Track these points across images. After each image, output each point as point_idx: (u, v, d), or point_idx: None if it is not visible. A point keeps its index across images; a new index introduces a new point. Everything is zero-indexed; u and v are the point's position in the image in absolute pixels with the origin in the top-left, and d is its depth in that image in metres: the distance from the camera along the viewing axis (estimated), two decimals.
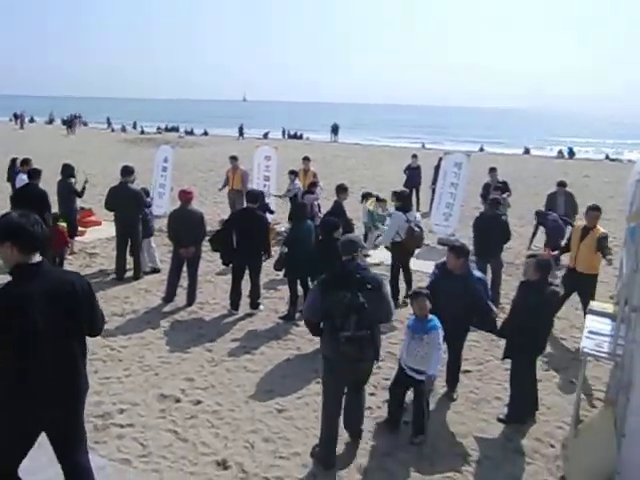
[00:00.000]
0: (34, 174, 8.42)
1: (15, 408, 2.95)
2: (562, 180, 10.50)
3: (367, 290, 4.00)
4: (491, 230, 7.58)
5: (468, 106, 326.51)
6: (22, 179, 9.17)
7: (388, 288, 4.33)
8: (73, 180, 9.28)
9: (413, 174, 14.52)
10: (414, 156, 14.93)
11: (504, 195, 10.25)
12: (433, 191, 13.24)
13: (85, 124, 51.22)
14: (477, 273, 5.33)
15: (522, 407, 4.94)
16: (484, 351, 6.34)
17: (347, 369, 4.19)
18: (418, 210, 13.36)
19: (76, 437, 3.28)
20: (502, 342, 5.27)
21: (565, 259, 7.96)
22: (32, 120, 54.32)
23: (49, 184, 8.66)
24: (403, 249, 7.66)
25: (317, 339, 6.14)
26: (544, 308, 4.79)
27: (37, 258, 2.90)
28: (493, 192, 9.84)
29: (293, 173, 11.26)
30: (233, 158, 11.86)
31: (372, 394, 5.31)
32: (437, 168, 13.48)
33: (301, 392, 5.33)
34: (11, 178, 10.85)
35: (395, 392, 4.82)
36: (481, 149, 37.23)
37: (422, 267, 9.02)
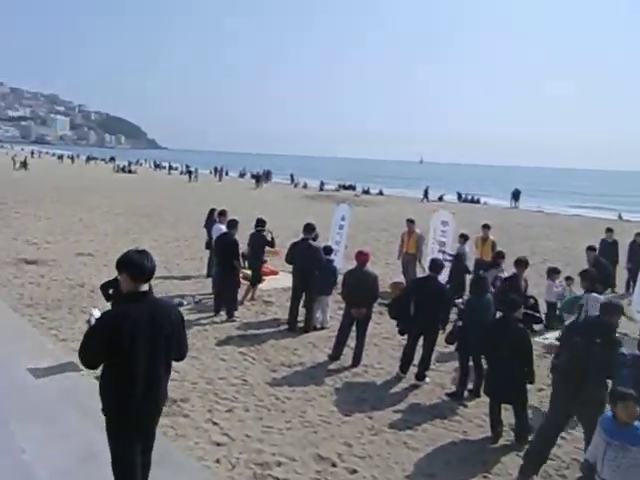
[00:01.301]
0: (231, 225, 9.33)
1: (124, 410, 3.49)
2: None
3: (595, 342, 4.73)
4: None
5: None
6: (219, 228, 10.09)
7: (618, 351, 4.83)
8: (265, 232, 10.03)
9: (607, 250, 12.97)
10: (609, 230, 13.34)
11: None
12: (629, 271, 11.88)
13: (270, 179, 55.54)
14: None
15: None
16: None
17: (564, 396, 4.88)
18: (613, 292, 12.00)
19: (153, 436, 3.85)
20: None
21: None
22: (227, 173, 60.73)
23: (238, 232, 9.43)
24: None
25: (487, 426, 5.70)
26: None
27: (145, 287, 3.46)
28: None
29: (463, 237, 10.93)
30: (410, 221, 11.84)
31: None
32: (633, 245, 12.15)
33: None
34: (208, 225, 11.99)
35: None
36: None
37: None
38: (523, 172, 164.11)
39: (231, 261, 8.94)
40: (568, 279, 8.92)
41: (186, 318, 5.86)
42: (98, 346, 3.35)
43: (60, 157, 77.96)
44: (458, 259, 10.35)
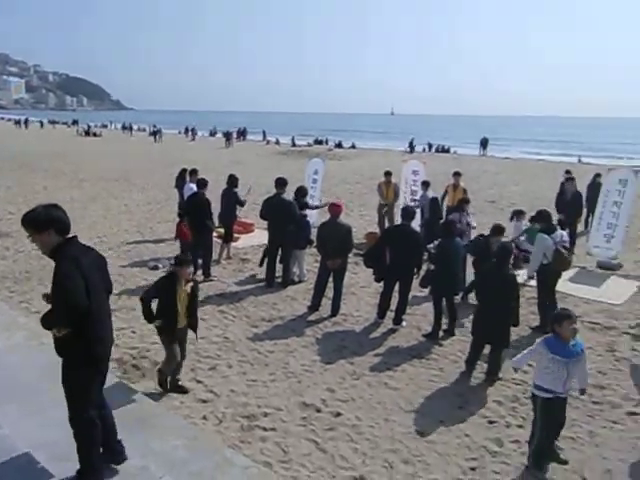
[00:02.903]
0: (201, 184, 9.18)
1: (93, 350, 3.73)
2: None
3: None
4: None
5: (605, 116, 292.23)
6: (190, 188, 9.98)
7: None
8: (236, 190, 9.91)
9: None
10: (567, 172, 13.86)
11: None
12: (587, 210, 12.43)
13: (245, 137, 54.12)
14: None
15: None
16: None
17: None
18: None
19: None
20: None
21: None
22: (196, 133, 58.92)
23: (209, 191, 9.30)
24: (550, 272, 7.16)
25: (462, 362, 5.96)
26: None
27: (69, 235, 3.67)
28: None
29: (425, 184, 11.15)
30: (387, 173, 12.02)
31: (520, 426, 5.00)
32: (591, 186, 12.72)
33: (443, 416, 5.12)
34: (179, 185, 11.85)
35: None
36: None
37: (578, 292, 8.62)
38: (488, 121, 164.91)
39: (204, 221, 8.86)
40: (532, 219, 9.19)
41: None
42: (81, 285, 3.54)
43: (17, 122, 74.08)
44: (434, 205, 10.49)
